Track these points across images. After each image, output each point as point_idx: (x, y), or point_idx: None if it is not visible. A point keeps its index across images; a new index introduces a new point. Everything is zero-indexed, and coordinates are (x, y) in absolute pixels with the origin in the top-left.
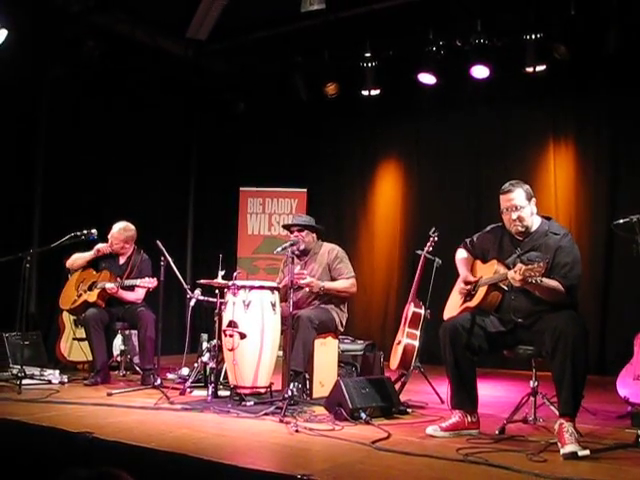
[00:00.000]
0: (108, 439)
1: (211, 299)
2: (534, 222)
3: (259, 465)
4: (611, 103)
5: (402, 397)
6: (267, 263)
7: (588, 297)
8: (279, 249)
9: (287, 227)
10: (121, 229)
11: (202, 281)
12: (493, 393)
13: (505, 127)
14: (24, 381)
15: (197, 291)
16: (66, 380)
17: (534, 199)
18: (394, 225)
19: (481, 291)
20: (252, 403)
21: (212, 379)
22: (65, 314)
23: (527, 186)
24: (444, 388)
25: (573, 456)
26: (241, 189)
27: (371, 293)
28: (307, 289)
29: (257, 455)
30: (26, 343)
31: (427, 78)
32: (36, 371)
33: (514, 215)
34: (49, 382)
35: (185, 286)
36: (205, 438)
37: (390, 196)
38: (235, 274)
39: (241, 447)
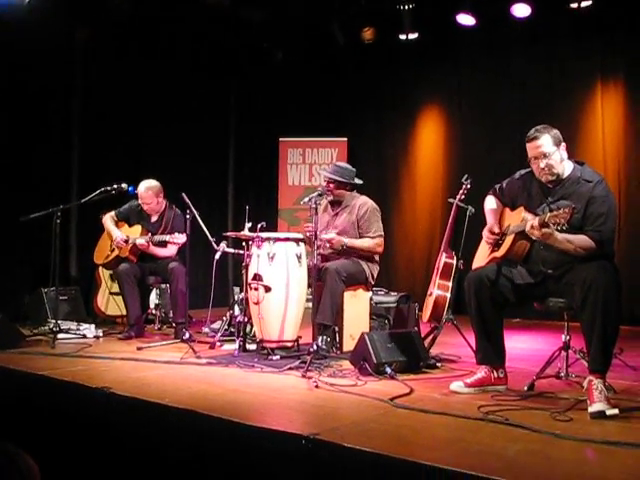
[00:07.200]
0: (124, 394)
1: (240, 252)
2: (565, 168)
3: (268, 423)
4: None
5: (434, 350)
6: (308, 214)
7: (634, 246)
8: (305, 199)
9: None
10: (147, 188)
11: (228, 233)
12: (526, 346)
13: (549, 69)
14: (61, 335)
15: (222, 244)
16: (101, 334)
17: (563, 144)
18: (436, 174)
19: (508, 240)
20: (278, 357)
21: (240, 333)
22: (101, 269)
23: (555, 130)
24: None
25: (601, 415)
26: (280, 139)
27: (413, 243)
28: (328, 245)
29: (269, 412)
30: (64, 298)
31: (466, 19)
32: (72, 325)
33: (542, 163)
34: (84, 336)
35: (210, 239)
36: (221, 394)
37: (432, 144)
38: (259, 226)
39: (255, 404)
